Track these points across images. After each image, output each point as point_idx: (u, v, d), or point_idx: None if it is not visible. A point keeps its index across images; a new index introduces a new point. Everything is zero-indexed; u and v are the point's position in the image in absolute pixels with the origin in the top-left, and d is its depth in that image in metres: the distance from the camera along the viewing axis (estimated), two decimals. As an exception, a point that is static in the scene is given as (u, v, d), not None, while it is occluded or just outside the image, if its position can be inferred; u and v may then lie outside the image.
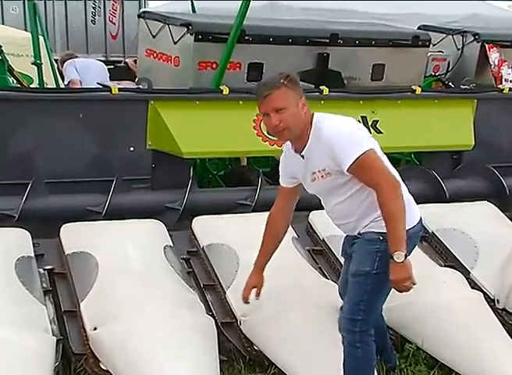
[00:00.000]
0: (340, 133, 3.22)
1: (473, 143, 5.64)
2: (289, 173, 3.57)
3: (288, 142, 3.46)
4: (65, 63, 7.46)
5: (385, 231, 3.26)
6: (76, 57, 7.78)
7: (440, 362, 3.99)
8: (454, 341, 3.88)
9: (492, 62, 6.82)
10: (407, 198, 3.38)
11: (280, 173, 3.62)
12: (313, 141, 3.27)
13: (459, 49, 7.20)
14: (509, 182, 5.56)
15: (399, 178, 3.35)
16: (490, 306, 4.24)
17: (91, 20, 12.37)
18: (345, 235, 3.66)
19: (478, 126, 5.68)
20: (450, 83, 6.92)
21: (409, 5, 8.72)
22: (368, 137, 3.36)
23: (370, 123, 5.39)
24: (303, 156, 3.33)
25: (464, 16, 8.87)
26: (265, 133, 5.08)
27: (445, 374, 3.97)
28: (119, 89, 5.04)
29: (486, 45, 6.94)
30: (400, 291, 3.27)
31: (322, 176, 3.29)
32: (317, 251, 4.77)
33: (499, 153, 5.75)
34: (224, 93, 5.16)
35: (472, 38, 7.09)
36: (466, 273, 4.60)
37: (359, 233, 3.43)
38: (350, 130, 3.26)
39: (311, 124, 3.30)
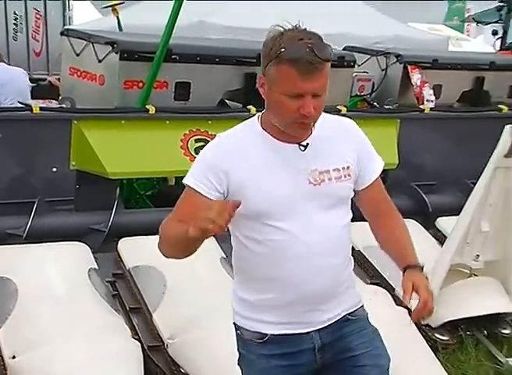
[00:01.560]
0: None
1: (397, 162, 5.69)
2: (222, 179, 2.30)
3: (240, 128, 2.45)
4: None
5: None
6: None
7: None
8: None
9: (414, 83, 6.92)
10: None
11: (199, 174, 2.35)
12: (324, 128, 2.38)
13: (383, 70, 7.29)
14: (431, 200, 5.61)
15: None
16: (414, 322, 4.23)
17: (13, 37, 12.02)
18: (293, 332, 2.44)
19: (401, 146, 5.73)
20: (375, 103, 6.99)
21: (335, 25, 8.75)
22: None
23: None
24: (305, 146, 2.32)
25: (387, 37, 8.98)
26: (192, 152, 5.00)
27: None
28: (41, 108, 4.92)
29: (408, 66, 7.03)
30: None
31: (340, 178, 2.36)
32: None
33: (422, 172, 5.84)
34: (150, 112, 5.09)
35: (395, 59, 7.19)
36: (391, 289, 4.63)
37: (351, 313, 2.53)
38: None
39: None
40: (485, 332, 4.62)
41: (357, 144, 2.44)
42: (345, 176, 2.36)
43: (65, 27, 7.41)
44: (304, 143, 2.32)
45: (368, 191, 2.48)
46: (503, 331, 4.67)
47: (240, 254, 2.46)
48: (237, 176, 2.29)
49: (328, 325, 2.46)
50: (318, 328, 2.45)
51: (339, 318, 2.49)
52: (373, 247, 4.85)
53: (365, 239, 4.94)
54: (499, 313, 4.63)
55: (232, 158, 2.32)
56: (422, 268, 2.57)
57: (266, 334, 2.43)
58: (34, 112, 4.82)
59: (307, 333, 2.43)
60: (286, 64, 2.13)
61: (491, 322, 4.65)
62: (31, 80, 9.92)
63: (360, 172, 2.42)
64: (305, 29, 2.23)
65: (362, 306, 2.61)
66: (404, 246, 2.60)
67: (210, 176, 2.31)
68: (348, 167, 2.37)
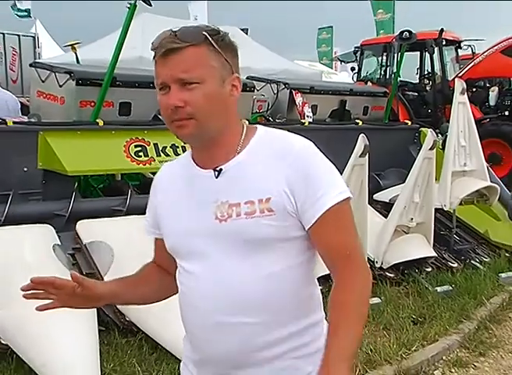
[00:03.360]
0: (320, 157, 1.50)
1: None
2: (155, 216, 1.66)
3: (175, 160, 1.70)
4: None
5: None
6: None
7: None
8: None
9: (297, 103, 7.09)
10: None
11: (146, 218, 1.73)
12: (255, 152, 1.50)
13: (275, 94, 7.43)
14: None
15: None
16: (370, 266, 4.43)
17: None
18: None
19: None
20: (270, 118, 7.07)
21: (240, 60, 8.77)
22: None
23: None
24: (219, 172, 1.49)
25: (279, 70, 9.11)
26: (133, 155, 4.94)
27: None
28: (14, 122, 4.78)
29: (293, 91, 7.19)
30: None
31: (253, 213, 1.43)
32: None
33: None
34: (100, 125, 4.98)
35: (283, 86, 7.39)
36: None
37: None
38: (323, 156, 1.52)
39: (248, 129, 1.57)
40: (416, 270, 5.29)
41: (292, 173, 1.43)
42: (261, 212, 1.42)
43: (34, 61, 7.21)
44: (223, 167, 1.49)
45: (314, 232, 1.46)
46: (427, 269, 5.35)
47: None
48: (159, 212, 1.63)
49: None
50: None
51: None
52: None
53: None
54: (425, 257, 5.31)
55: (160, 191, 1.65)
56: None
57: None
58: (8, 124, 4.68)
59: None
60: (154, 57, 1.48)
61: (419, 263, 5.31)
62: None
63: (300, 207, 1.43)
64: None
65: None
66: (335, 326, 1.44)
67: (148, 214, 1.70)
68: (268, 200, 1.42)
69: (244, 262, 1.46)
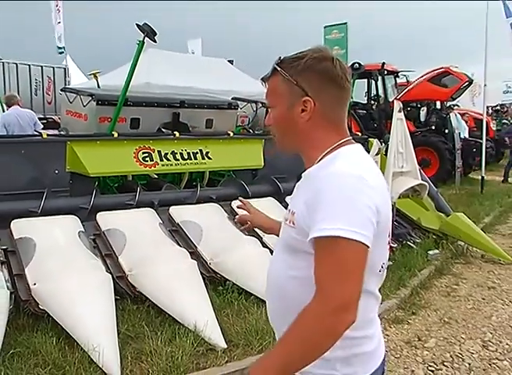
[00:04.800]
0: (342, 186, 1.19)
1: (262, 164, 5.73)
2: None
3: None
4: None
5: None
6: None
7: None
8: (257, 277, 3.83)
9: (273, 118, 7.03)
10: (372, 334, 1.36)
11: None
12: (316, 170, 1.29)
13: (254, 111, 7.41)
14: (283, 186, 5.62)
15: (370, 306, 1.36)
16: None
17: (34, 93, 12.09)
18: None
19: (265, 155, 5.76)
20: (250, 130, 7.06)
21: (227, 85, 8.74)
22: (373, 214, 1.19)
23: (204, 153, 5.33)
24: (300, 177, 1.38)
25: (257, 92, 9.07)
26: (141, 159, 4.91)
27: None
28: (48, 134, 4.73)
29: (269, 109, 7.12)
30: None
31: (286, 221, 1.33)
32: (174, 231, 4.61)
33: (277, 169, 5.83)
34: (115, 136, 4.92)
35: (261, 105, 7.38)
36: (260, 238, 4.62)
37: None
38: (355, 190, 1.18)
39: (337, 146, 1.31)
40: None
41: (310, 195, 1.22)
42: (289, 222, 1.29)
43: (64, 86, 7.21)
44: (303, 174, 1.36)
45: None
46: (417, 241, 5.71)
47: None
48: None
49: None
50: None
51: None
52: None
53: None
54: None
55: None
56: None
57: None
58: (44, 137, 4.65)
59: None
60: None
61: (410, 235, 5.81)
62: (46, 118, 9.88)
63: (308, 228, 1.22)
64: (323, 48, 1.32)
65: None
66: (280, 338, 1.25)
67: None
68: (293, 213, 1.28)
69: (281, 259, 1.35)
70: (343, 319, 1.15)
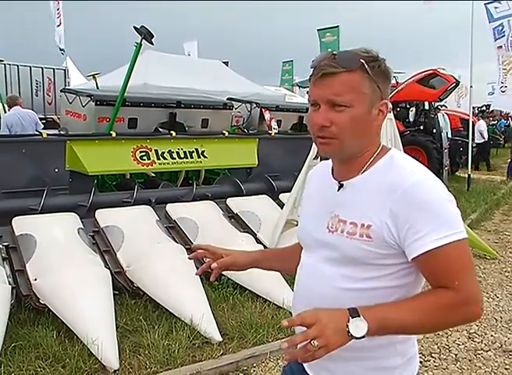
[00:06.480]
0: (436, 192, 1.14)
1: (257, 162, 5.72)
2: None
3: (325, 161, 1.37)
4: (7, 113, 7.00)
5: None
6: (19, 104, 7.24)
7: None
8: (250, 272, 3.84)
9: (266, 119, 7.08)
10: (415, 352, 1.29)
11: None
12: (376, 175, 1.20)
13: (249, 111, 7.40)
14: (276, 184, 5.64)
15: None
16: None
17: (35, 94, 12.01)
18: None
19: (259, 153, 5.76)
20: (245, 130, 7.05)
21: (222, 85, 8.70)
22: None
23: (200, 152, 5.32)
24: (340, 186, 1.25)
25: (251, 93, 9.05)
26: (138, 158, 4.89)
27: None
28: (48, 134, 4.71)
29: (263, 109, 7.16)
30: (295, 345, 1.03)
31: (353, 235, 1.18)
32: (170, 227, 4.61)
33: (271, 168, 5.85)
34: (113, 135, 4.91)
35: (255, 105, 7.35)
36: (254, 235, 4.66)
37: None
38: (445, 192, 1.16)
39: (380, 151, 1.24)
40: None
41: (397, 207, 1.13)
42: (361, 236, 1.16)
43: (64, 87, 7.21)
44: (344, 183, 1.24)
45: (417, 264, 1.16)
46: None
47: None
48: (302, 202, 1.45)
49: None
50: None
51: None
52: (244, 211, 4.98)
53: (239, 206, 5.03)
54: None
55: (308, 186, 1.44)
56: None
57: None
58: (44, 136, 4.63)
59: None
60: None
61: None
62: (46, 118, 9.85)
63: (401, 241, 1.13)
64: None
65: None
66: (397, 303, 1.15)
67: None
68: (368, 226, 1.16)
69: (335, 272, 1.22)
70: (477, 312, 1.15)
